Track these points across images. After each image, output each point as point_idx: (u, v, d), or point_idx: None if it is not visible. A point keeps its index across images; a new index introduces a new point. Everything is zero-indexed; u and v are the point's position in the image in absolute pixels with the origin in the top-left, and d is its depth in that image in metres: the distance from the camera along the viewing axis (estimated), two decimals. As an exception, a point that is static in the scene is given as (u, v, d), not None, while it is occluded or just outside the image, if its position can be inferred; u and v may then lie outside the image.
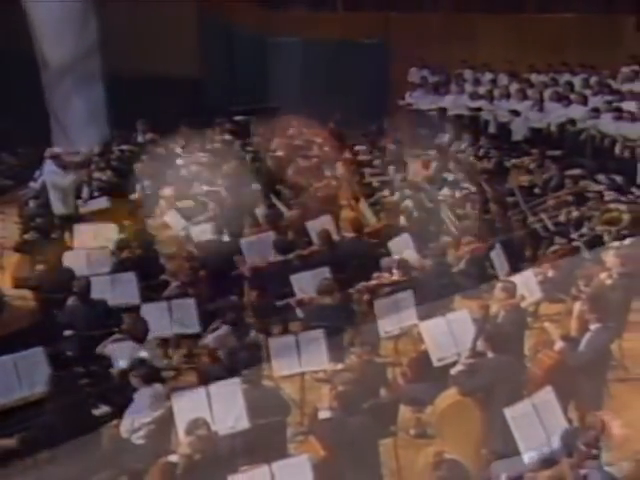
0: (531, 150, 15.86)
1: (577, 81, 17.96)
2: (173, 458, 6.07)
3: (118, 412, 7.15)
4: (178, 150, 15.48)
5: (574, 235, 10.99)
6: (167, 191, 13.19)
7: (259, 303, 9.26)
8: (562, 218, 12.06)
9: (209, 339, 8.23)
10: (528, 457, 6.18)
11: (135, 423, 6.95)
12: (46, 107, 17.08)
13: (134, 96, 16.00)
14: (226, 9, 19.93)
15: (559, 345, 7.45)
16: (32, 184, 13.67)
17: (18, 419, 7.03)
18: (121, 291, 9.36)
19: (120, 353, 7.81)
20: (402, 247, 10.57)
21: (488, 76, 19.12)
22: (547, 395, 6.47)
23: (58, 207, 12.42)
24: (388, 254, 10.49)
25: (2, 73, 16.10)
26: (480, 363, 6.91)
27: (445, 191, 13.61)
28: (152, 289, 9.65)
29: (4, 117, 15.59)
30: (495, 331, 7.19)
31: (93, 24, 17.01)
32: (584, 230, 11.37)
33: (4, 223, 12.77)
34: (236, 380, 6.93)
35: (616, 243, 10.62)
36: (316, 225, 11.12)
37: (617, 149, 15.82)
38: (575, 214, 12.04)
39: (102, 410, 7.33)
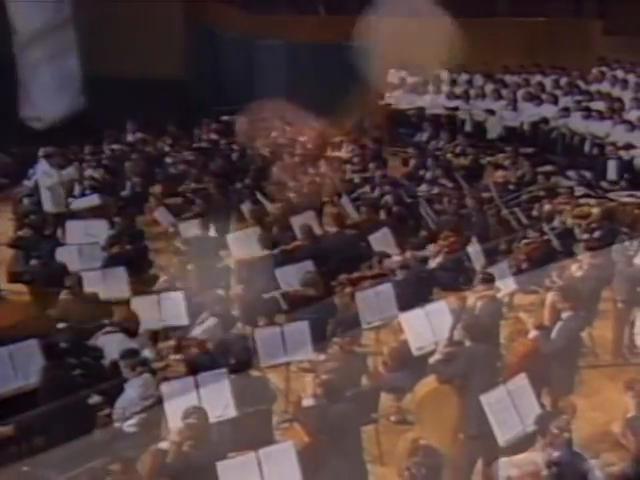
0: (505, 148, 15.88)
1: (548, 82, 18.02)
2: (164, 445, 6.04)
3: (110, 401, 7.12)
4: (166, 149, 15.44)
5: (546, 228, 11.00)
6: (156, 188, 13.15)
7: (245, 296, 9.23)
8: (535, 212, 12.11)
9: (197, 331, 8.21)
10: (503, 441, 6.21)
11: (126, 412, 6.92)
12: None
13: (124, 97, 15.91)
14: (212, 13, 19.88)
15: (533, 334, 7.47)
16: (26, 182, 13.61)
17: (14, 408, 6.97)
18: (112, 285, 9.30)
19: (111, 345, 7.78)
20: (382, 241, 10.57)
21: (464, 77, 19.13)
22: (521, 381, 6.48)
23: (48, 205, 12.35)
24: (369, 248, 10.49)
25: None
26: (457, 352, 6.91)
27: (423, 187, 13.65)
28: (142, 283, 9.60)
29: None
30: (472, 321, 7.19)
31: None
32: (556, 224, 11.40)
33: (-1, 220, 12.73)
34: (223, 370, 6.92)
35: (586, 235, 10.67)
36: (300, 220, 11.10)
37: (586, 146, 15.90)
38: (547, 208, 12.08)
39: (94, 400, 7.29)
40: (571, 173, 14.47)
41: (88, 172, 13.71)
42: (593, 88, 17.34)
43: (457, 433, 6.45)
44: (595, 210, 11.87)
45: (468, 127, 17.89)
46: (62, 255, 10.12)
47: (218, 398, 6.72)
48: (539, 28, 19.30)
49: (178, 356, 7.80)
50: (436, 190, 13.26)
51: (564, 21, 19.28)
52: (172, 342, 8.74)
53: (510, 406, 6.28)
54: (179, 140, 15.93)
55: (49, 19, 17.05)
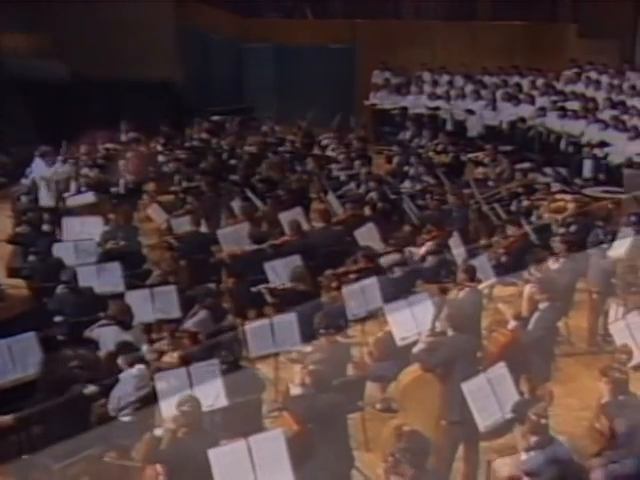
0: (485, 146, 15.90)
1: (525, 83, 18.05)
2: (158, 432, 6.02)
3: (105, 392, 7.09)
4: (159, 148, 15.39)
5: (524, 223, 11.02)
6: (149, 186, 13.10)
7: (235, 289, 9.20)
8: (513, 207, 12.12)
9: (189, 323, 8.16)
10: (483, 427, 6.21)
11: (121, 402, 6.89)
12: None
13: (118, 98, 15.85)
14: (203, 17, 19.84)
15: (512, 324, 7.48)
16: (24, 181, 13.55)
17: (13, 398, 6.94)
18: (107, 279, 9.25)
19: (106, 337, 7.75)
20: (367, 236, 10.56)
21: (445, 78, 19.14)
22: (500, 370, 6.48)
23: (44, 199, 12.31)
24: (355, 242, 10.47)
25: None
26: (439, 341, 6.90)
27: (407, 184, 13.64)
28: (136, 277, 9.57)
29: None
30: (453, 312, 7.18)
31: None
32: (533, 218, 11.43)
33: (-2, 217, 12.67)
34: (214, 361, 6.90)
35: (562, 230, 10.68)
36: (288, 216, 11.07)
37: (562, 144, 15.95)
38: (525, 204, 12.10)
39: (90, 390, 7.26)
40: (548, 170, 14.49)
41: (84, 171, 13.65)
42: (568, 89, 17.39)
43: (439, 419, 6.44)
44: (571, 205, 11.89)
45: (449, 126, 17.90)
46: (59, 251, 10.07)
47: (210, 388, 6.70)
48: (517, 31, 19.34)
49: (171, 348, 7.77)
50: (419, 187, 13.27)
51: (540, 25, 19.34)
52: (165, 334, 8.74)
53: (490, 394, 6.28)
54: (171, 139, 15.88)
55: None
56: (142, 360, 7.19)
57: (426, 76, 19.34)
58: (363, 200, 12.37)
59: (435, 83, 19.04)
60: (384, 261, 9.66)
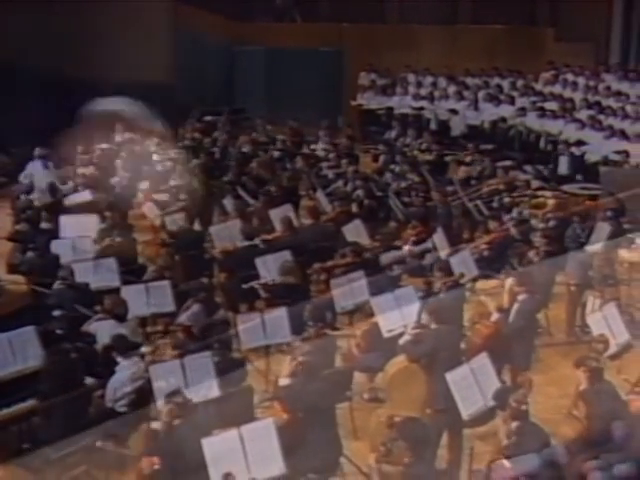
0: (467, 144, 15.90)
1: (506, 84, 18.07)
2: (156, 425, 5.98)
3: (102, 383, 7.05)
4: (153, 147, 15.31)
5: (505, 219, 11.02)
6: (144, 184, 13.03)
7: (228, 284, 9.17)
8: (495, 204, 12.12)
9: (183, 317, 8.12)
10: (467, 415, 6.21)
11: (117, 393, 6.86)
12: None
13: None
14: (196, 21, 19.78)
15: (494, 316, 7.48)
16: (23, 180, 13.46)
17: (13, 390, 6.94)
18: (103, 275, 9.18)
19: (103, 330, 7.70)
20: (354, 232, 10.54)
21: (429, 79, 19.13)
22: (483, 360, 6.48)
23: (40, 197, 12.27)
24: (343, 238, 10.44)
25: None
26: (424, 333, 6.89)
27: (392, 181, 13.60)
28: (131, 273, 9.52)
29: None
30: (438, 305, 7.18)
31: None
32: (514, 214, 11.43)
33: (-2, 215, 12.59)
34: (207, 353, 6.87)
35: (542, 225, 10.69)
36: (278, 213, 11.04)
37: (541, 143, 15.97)
38: (506, 200, 12.10)
39: (88, 382, 7.23)
40: (528, 168, 14.52)
41: (80, 170, 13.58)
42: (546, 90, 17.43)
43: (425, 408, 6.42)
44: (550, 202, 11.91)
45: (433, 125, 17.90)
46: (57, 247, 10.01)
47: (203, 379, 6.68)
48: (497, 35, 19.35)
49: (165, 340, 7.74)
50: (404, 184, 13.23)
51: (520, 28, 19.38)
52: (160, 327, 8.71)
53: (473, 383, 6.28)
54: (165, 139, 15.81)
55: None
56: (137, 352, 7.17)
57: (410, 78, 19.34)
58: (350, 197, 12.34)
59: (419, 84, 19.03)
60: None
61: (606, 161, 13.74)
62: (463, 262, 8.98)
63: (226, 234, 10.44)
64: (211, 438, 5.65)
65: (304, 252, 9.99)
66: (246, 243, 10.24)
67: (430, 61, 19.36)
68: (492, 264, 9.57)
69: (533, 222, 10.96)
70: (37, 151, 13.23)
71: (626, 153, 13.44)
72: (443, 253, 9.81)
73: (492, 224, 10.85)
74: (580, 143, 14.78)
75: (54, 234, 10.77)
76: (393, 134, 17.70)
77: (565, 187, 13.49)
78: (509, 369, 7.34)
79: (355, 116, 19.06)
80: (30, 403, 6.77)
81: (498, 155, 15.04)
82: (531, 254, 9.19)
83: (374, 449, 5.49)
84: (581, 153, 14.62)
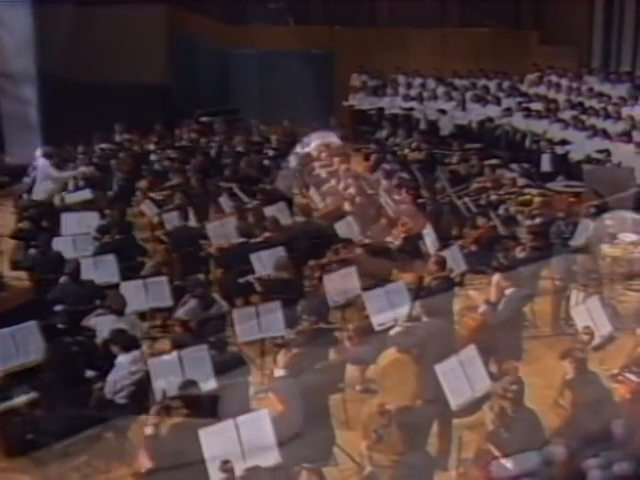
0: (456, 143, 15.89)
1: (492, 85, 18.07)
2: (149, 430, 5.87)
3: (102, 376, 7.04)
4: (151, 147, 15.28)
5: (492, 215, 11.02)
6: (142, 183, 12.99)
7: (224, 279, 9.15)
8: (482, 201, 12.11)
9: (180, 312, 8.11)
10: (456, 405, 6.21)
11: (117, 385, 6.85)
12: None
13: (112, 101, 15.73)
14: (192, 25, 19.73)
15: (482, 309, 7.47)
16: (25, 179, 13.44)
17: (16, 382, 6.93)
18: (103, 271, 9.17)
19: (103, 325, 7.68)
20: (346, 229, 10.53)
21: (418, 81, 19.11)
22: (471, 352, 6.48)
23: (39, 194, 12.24)
24: (335, 235, 10.43)
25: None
26: (415, 326, 6.89)
27: (383, 179, 13.57)
28: (130, 269, 9.49)
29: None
30: (427, 298, 7.17)
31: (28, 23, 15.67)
32: (501, 211, 11.43)
33: (2, 214, 12.53)
34: (204, 346, 6.85)
35: (528, 221, 10.69)
36: (273, 211, 11.01)
37: (527, 142, 15.97)
38: (493, 197, 12.10)
39: (88, 375, 7.21)
40: (514, 166, 14.50)
41: (81, 169, 13.53)
42: (531, 91, 17.46)
43: (415, 398, 6.43)
44: (536, 199, 11.91)
45: (422, 125, 17.87)
46: (58, 245, 9.98)
47: (200, 371, 6.66)
48: (484, 38, 19.35)
49: (163, 334, 7.72)
50: (394, 182, 13.20)
51: (506, 32, 19.39)
52: (158, 322, 8.69)
53: (461, 374, 6.28)
54: (163, 139, 15.77)
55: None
56: (136, 346, 7.15)
57: (400, 79, 19.32)
58: (343, 195, 12.33)
59: (409, 85, 19.02)
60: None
61: (589, 159, 13.74)
62: (452, 257, 8.98)
63: (222, 231, 10.42)
64: (208, 428, 5.63)
65: (297, 248, 9.97)
66: (241, 240, 10.22)
67: (419, 63, 19.35)
68: (480, 259, 9.56)
69: (519, 219, 10.97)
70: (40, 150, 13.19)
71: (608, 152, 13.46)
72: (432, 249, 9.81)
73: (480, 221, 10.85)
74: (564, 142, 14.80)
75: (55, 232, 10.76)
76: (384, 134, 17.68)
77: (550, 185, 13.48)
78: (496, 360, 7.33)
79: (347, 116, 19.04)
80: (32, 395, 6.74)
81: (485, 154, 15.02)
82: (517, 250, 9.19)
83: (366, 437, 5.47)
84: (565, 152, 14.63)
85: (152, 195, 12.40)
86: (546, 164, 14.63)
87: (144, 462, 5.41)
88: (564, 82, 17.16)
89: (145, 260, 10.07)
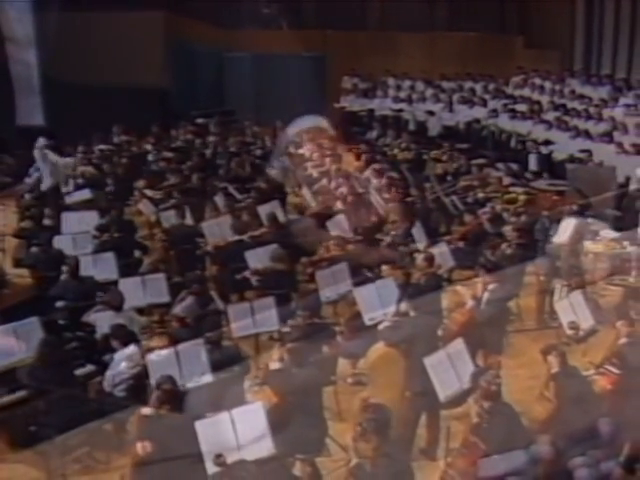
0: (444, 144, 15.90)
1: (478, 87, 18.09)
2: (147, 411, 5.90)
3: (101, 370, 7.02)
4: (148, 148, 15.23)
5: (479, 213, 11.03)
6: (140, 183, 12.96)
7: (219, 276, 9.13)
8: (470, 199, 12.12)
9: (177, 308, 8.08)
10: (444, 397, 6.20)
11: (116, 379, 6.82)
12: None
13: (111, 103, 15.69)
14: (188, 30, 19.69)
15: (469, 304, 7.47)
16: (27, 180, 13.41)
17: (19, 377, 6.88)
18: (102, 268, 9.14)
19: (102, 321, 7.65)
20: (338, 226, 10.52)
21: (407, 83, 19.11)
22: (458, 346, 6.47)
23: (47, 182, 12.21)
24: (327, 232, 10.42)
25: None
26: (403, 320, 6.88)
27: (373, 178, 13.57)
28: (128, 266, 9.46)
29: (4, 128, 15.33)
30: (416, 294, 7.16)
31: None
32: (487, 209, 11.43)
33: (4, 213, 12.45)
34: (200, 341, 6.83)
35: (513, 219, 10.70)
36: (266, 209, 10.99)
37: (512, 142, 15.99)
38: (480, 196, 12.11)
39: (88, 368, 7.19)
40: (500, 165, 14.51)
41: (80, 169, 13.50)
42: (516, 93, 17.48)
43: (404, 391, 6.42)
44: (521, 197, 11.93)
45: (411, 126, 17.89)
46: (59, 243, 9.95)
47: (196, 366, 6.64)
48: (470, 41, 19.37)
49: (161, 330, 7.69)
50: (384, 181, 13.20)
51: (491, 36, 19.42)
52: (155, 317, 8.66)
53: (449, 367, 6.26)
54: (160, 140, 15.74)
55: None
56: (134, 341, 7.12)
57: (390, 81, 19.32)
58: (334, 194, 12.32)
59: (398, 87, 19.02)
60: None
61: (572, 159, 13.77)
62: (440, 254, 8.97)
63: (217, 229, 10.40)
64: (204, 420, 5.61)
65: (291, 245, 9.96)
66: (236, 238, 10.20)
67: (408, 66, 19.34)
68: (467, 255, 9.57)
69: (505, 216, 10.98)
70: (42, 140, 13.13)
71: (590, 152, 13.49)
72: (421, 245, 9.80)
73: (467, 218, 10.85)
74: (548, 142, 14.82)
75: (56, 230, 10.73)
76: (374, 134, 17.69)
77: (535, 183, 13.50)
78: (482, 353, 7.33)
79: (338, 117, 19.01)
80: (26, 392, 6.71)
81: (472, 154, 15.05)
82: (503, 246, 9.20)
83: (354, 429, 5.46)
84: (548, 152, 14.65)
85: (149, 194, 12.37)
86: (533, 163, 14.65)
87: (142, 447, 5.37)
88: (547, 84, 17.18)
89: (143, 257, 10.03)
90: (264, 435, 5.58)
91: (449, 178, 13.37)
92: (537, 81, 17.52)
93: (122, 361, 6.86)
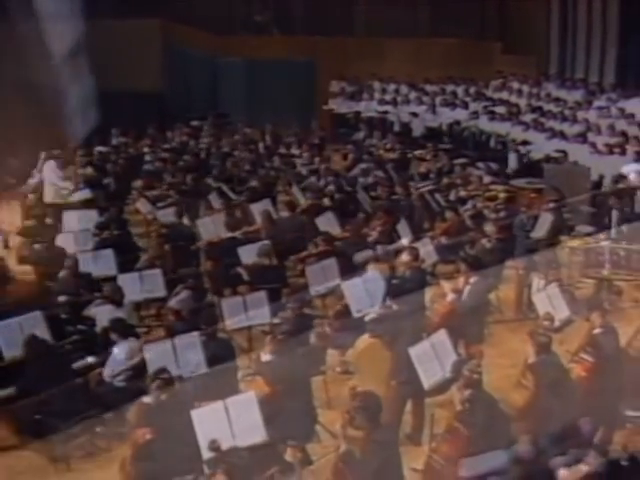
0: (427, 144, 15.88)
1: (460, 90, 18.11)
2: (146, 399, 5.91)
3: (101, 362, 6.98)
4: (145, 149, 15.17)
5: (461, 210, 11.02)
6: (137, 183, 12.90)
7: (213, 271, 9.09)
8: (452, 197, 12.12)
9: (173, 302, 8.05)
10: (428, 385, 6.20)
11: (115, 370, 6.80)
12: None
13: (109, 107, 15.61)
14: (183, 36, 19.62)
15: (451, 297, 7.47)
16: (31, 181, 13.32)
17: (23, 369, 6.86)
18: (102, 265, 9.10)
19: (102, 314, 7.62)
20: (326, 223, 10.50)
21: (392, 86, 19.10)
22: (441, 336, 6.49)
23: (49, 197, 12.14)
24: (316, 228, 10.39)
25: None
26: (389, 313, 6.88)
27: (360, 177, 13.56)
28: (127, 262, 9.42)
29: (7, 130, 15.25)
30: (401, 287, 7.16)
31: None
32: (469, 206, 11.44)
33: (9, 213, 12.42)
34: (195, 334, 6.81)
35: (493, 215, 10.71)
36: (258, 207, 10.96)
37: (492, 143, 16.01)
38: (462, 193, 12.11)
39: (89, 360, 7.15)
40: (480, 164, 14.50)
41: (80, 170, 13.43)
42: (495, 95, 17.51)
43: (390, 380, 6.42)
44: (501, 195, 11.94)
45: (396, 127, 17.87)
46: (61, 240, 9.90)
47: (192, 357, 6.62)
48: (452, 47, 19.39)
49: (158, 323, 7.66)
50: (371, 179, 13.19)
51: (472, 42, 19.47)
52: (152, 311, 8.63)
53: (433, 357, 6.28)
54: (156, 142, 15.67)
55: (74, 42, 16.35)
56: (133, 334, 7.10)
57: (376, 85, 19.30)
58: (323, 192, 12.29)
59: (384, 91, 19.01)
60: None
61: (548, 159, 13.80)
62: (424, 249, 8.97)
63: (212, 227, 10.37)
64: (199, 409, 5.60)
65: (281, 241, 9.93)
66: (229, 235, 10.17)
67: (394, 70, 19.34)
68: (450, 250, 9.57)
69: (486, 213, 10.98)
70: (44, 154, 13.07)
71: (565, 152, 13.53)
72: (406, 241, 9.79)
73: (449, 215, 10.84)
74: (525, 143, 14.85)
75: (58, 229, 10.67)
76: (361, 135, 17.65)
77: (513, 181, 13.52)
78: (464, 343, 7.33)
79: (326, 119, 19.00)
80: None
81: (454, 153, 15.03)
82: (484, 241, 9.20)
83: (342, 417, 5.45)
84: (526, 151, 14.68)
85: (147, 194, 12.32)
86: (513, 162, 14.69)
87: (141, 435, 5.36)
88: (525, 88, 17.23)
89: (140, 254, 9.99)
90: (257, 423, 5.58)
91: (432, 177, 13.35)
92: (515, 85, 17.56)
93: (121, 353, 6.84)
